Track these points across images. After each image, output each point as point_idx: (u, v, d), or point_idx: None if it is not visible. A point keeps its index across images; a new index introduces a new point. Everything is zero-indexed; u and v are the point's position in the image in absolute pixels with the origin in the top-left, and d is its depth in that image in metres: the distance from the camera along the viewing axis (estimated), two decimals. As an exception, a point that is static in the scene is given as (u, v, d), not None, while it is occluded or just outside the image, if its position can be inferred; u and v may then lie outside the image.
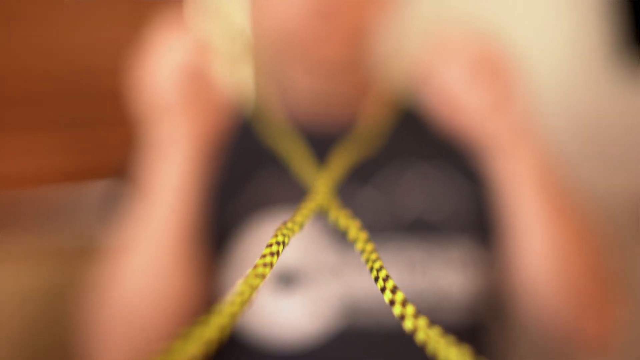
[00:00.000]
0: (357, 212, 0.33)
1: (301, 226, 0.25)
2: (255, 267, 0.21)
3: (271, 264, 0.21)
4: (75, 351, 0.69)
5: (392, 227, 0.67)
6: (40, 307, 0.87)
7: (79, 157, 0.99)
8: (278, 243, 0.23)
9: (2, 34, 0.96)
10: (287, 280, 0.65)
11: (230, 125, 0.69)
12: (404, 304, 0.20)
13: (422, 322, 0.19)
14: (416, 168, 0.70)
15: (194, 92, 0.62)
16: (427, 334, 0.19)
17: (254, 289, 0.21)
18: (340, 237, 0.66)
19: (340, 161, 0.54)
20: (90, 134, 1.00)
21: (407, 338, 0.61)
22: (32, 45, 0.97)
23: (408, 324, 0.19)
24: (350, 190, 0.67)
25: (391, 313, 0.62)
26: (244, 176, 0.69)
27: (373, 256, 0.22)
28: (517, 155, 0.65)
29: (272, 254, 0.22)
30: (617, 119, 1.10)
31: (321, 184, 0.34)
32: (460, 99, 0.65)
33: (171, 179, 0.62)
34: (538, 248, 0.65)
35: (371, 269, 0.22)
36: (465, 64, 0.63)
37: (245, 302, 0.20)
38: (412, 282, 0.65)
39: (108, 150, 0.96)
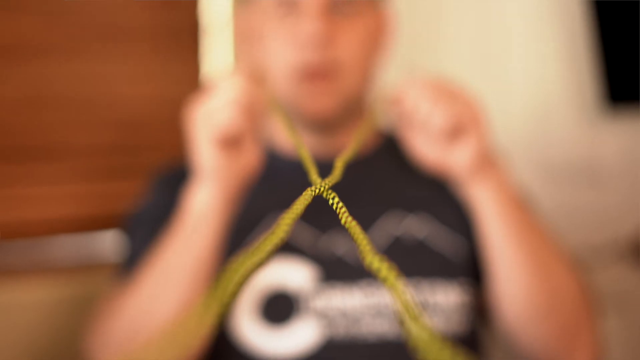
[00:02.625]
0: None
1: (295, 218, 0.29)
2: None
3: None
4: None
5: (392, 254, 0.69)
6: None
7: (98, 207, 1.05)
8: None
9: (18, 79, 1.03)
10: (275, 301, 0.68)
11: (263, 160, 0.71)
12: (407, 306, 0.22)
13: (420, 320, 0.21)
14: (418, 214, 0.73)
15: (246, 127, 0.64)
16: (419, 328, 0.20)
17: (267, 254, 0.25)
18: (323, 259, 0.70)
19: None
20: (109, 186, 1.06)
21: (390, 346, 0.65)
22: (57, 98, 1.04)
23: (404, 318, 0.21)
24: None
25: (375, 324, 0.65)
26: (259, 214, 0.71)
27: (391, 276, 0.23)
28: (481, 183, 0.68)
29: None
30: (599, 159, 1.16)
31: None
32: (423, 126, 0.68)
33: (209, 210, 0.64)
34: (510, 272, 0.67)
35: (386, 280, 0.23)
36: (426, 90, 0.67)
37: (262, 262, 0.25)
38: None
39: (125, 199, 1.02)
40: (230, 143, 0.64)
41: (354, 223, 0.27)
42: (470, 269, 0.73)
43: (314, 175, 0.33)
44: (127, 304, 0.65)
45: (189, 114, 0.67)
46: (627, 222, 1.08)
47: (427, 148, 0.70)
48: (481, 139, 0.67)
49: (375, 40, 0.77)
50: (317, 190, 0.30)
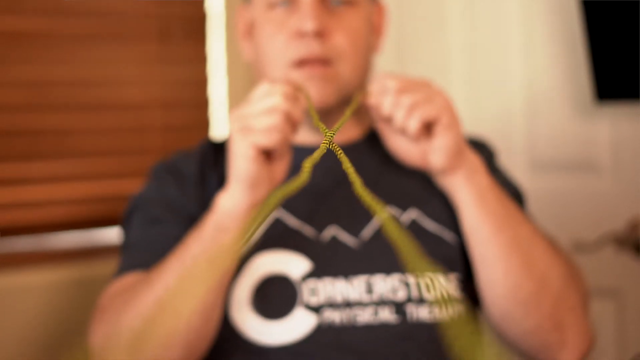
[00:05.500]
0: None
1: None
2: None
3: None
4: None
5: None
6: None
7: (103, 205, 1.07)
8: None
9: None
10: (272, 291, 0.70)
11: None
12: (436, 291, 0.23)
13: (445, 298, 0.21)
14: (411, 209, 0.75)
15: (284, 137, 0.64)
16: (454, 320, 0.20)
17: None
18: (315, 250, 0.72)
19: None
20: (114, 184, 1.09)
21: (386, 332, 0.67)
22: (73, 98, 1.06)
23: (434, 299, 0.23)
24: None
25: (374, 315, 0.67)
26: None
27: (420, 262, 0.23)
28: (457, 173, 0.69)
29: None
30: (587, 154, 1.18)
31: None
32: (398, 130, 0.70)
33: (234, 214, 0.65)
34: (492, 261, 0.68)
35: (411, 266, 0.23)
36: (398, 93, 0.68)
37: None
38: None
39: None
40: (267, 153, 0.65)
41: (375, 201, 0.28)
42: (461, 265, 0.74)
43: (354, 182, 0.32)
44: (142, 296, 0.65)
45: (230, 120, 0.67)
46: (619, 214, 1.10)
47: (405, 146, 0.72)
48: (454, 132, 0.69)
49: (371, 30, 0.78)
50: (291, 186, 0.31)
